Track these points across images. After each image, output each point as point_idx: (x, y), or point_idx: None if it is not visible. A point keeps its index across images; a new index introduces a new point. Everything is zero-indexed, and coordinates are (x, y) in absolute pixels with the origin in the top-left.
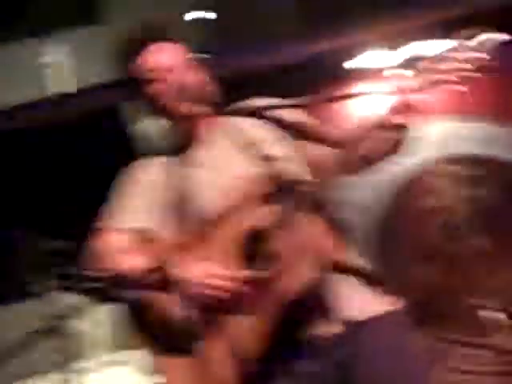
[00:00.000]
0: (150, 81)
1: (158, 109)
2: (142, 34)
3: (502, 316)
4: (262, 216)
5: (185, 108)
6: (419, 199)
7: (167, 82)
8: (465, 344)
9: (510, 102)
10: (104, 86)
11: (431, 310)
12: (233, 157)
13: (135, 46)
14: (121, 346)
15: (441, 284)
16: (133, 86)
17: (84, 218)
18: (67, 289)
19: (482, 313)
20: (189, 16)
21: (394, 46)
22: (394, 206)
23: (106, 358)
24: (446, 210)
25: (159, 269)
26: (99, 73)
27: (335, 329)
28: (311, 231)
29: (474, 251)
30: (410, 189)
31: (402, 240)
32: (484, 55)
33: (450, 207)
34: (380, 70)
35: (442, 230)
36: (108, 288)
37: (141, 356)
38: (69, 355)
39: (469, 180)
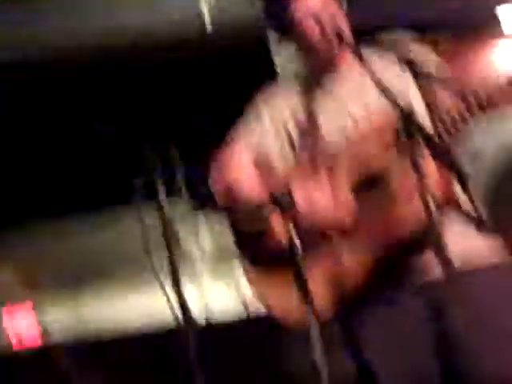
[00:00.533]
0: (300, 17)
1: (301, 43)
2: None
3: None
4: (383, 152)
5: (329, 46)
6: None
7: (315, 20)
8: None
9: None
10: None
11: None
12: (363, 92)
13: None
14: (221, 257)
15: None
16: (278, 20)
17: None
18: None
19: None
20: None
21: None
22: None
23: (205, 268)
24: None
25: (274, 193)
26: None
27: (439, 271)
28: (427, 172)
29: None
30: None
31: None
32: None
33: None
34: None
35: None
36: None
37: (240, 268)
38: (173, 263)
39: None
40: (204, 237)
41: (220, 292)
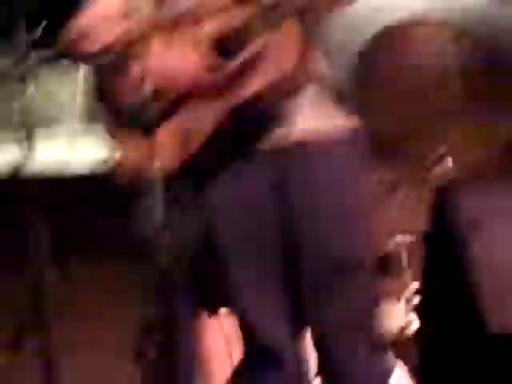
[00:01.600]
0: None
1: None
2: None
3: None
4: (244, 16)
5: None
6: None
7: None
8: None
9: None
10: None
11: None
12: None
13: None
14: (92, 117)
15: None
16: None
17: None
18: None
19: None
20: None
21: None
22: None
23: (76, 126)
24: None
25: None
26: None
27: (285, 139)
28: (286, 38)
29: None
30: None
31: (380, 73)
32: None
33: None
34: None
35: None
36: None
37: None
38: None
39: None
40: (77, 92)
41: (85, 148)
